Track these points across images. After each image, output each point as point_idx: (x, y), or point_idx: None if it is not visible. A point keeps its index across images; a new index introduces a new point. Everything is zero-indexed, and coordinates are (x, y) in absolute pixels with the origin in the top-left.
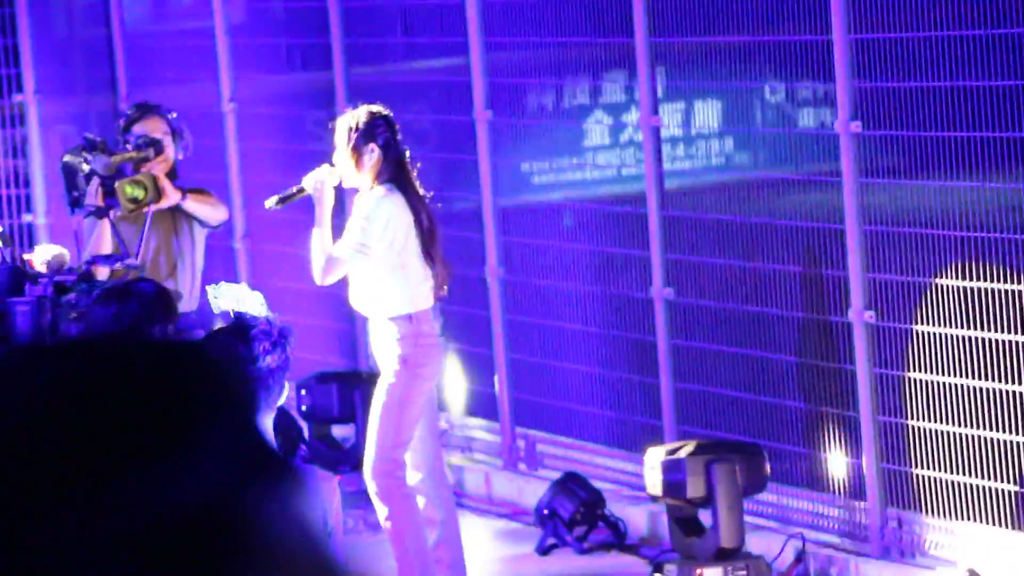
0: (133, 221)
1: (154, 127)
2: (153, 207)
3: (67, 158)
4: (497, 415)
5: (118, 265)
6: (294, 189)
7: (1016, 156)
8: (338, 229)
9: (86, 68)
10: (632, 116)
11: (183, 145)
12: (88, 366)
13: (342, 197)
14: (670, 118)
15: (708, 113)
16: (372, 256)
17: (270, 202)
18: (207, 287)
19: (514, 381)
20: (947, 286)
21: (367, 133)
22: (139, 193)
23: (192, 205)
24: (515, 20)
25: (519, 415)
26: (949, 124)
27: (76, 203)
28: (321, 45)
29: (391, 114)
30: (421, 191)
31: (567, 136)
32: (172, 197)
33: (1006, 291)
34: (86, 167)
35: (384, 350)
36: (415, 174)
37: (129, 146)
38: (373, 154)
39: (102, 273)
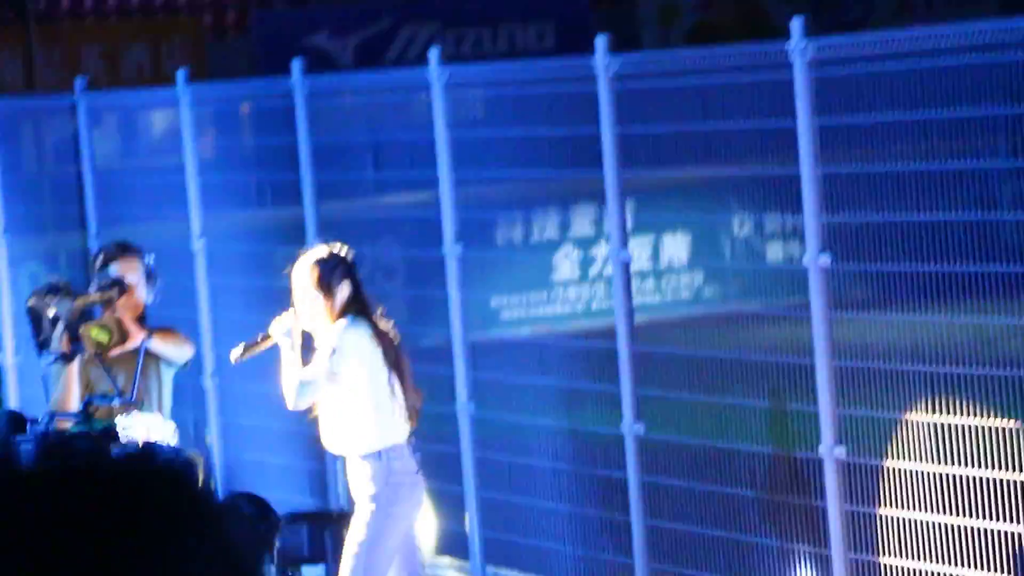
0: (126, 361)
1: (131, 268)
2: (119, 349)
3: (32, 302)
4: (468, 554)
5: (116, 402)
6: (259, 338)
7: (984, 290)
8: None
9: (56, 206)
10: (601, 250)
11: (154, 290)
12: (62, 496)
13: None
14: (639, 251)
15: (677, 247)
16: (341, 384)
17: (235, 353)
18: (119, 418)
19: (485, 519)
20: (918, 421)
21: (334, 270)
22: (104, 337)
23: (158, 345)
24: (484, 154)
25: (490, 554)
26: (918, 257)
27: (43, 346)
28: (291, 181)
29: (347, 248)
30: (384, 321)
31: (536, 270)
32: (137, 338)
33: (978, 427)
34: (52, 311)
35: (358, 488)
36: (380, 306)
37: (93, 287)
38: (344, 291)
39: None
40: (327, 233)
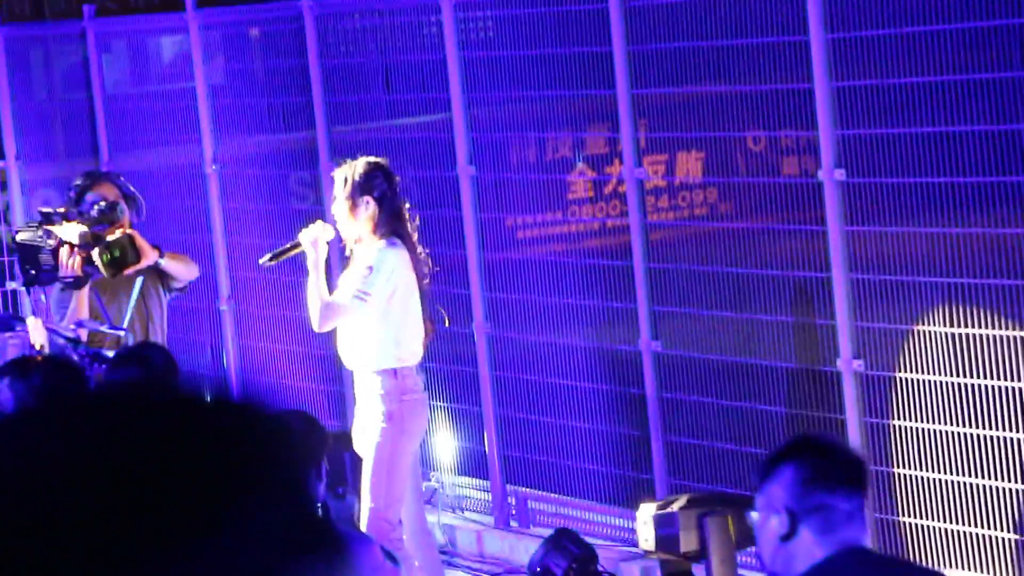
0: (112, 289)
1: (106, 193)
2: (133, 268)
3: (23, 236)
4: (487, 473)
5: (104, 328)
6: (288, 245)
7: (1000, 200)
8: (330, 285)
9: (67, 133)
10: (615, 168)
11: (137, 209)
12: (130, 425)
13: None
14: (653, 169)
15: (691, 163)
16: (371, 304)
17: (264, 259)
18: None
19: (503, 438)
20: (935, 332)
21: (363, 185)
22: (119, 256)
23: (169, 264)
24: (496, 75)
25: (509, 472)
26: (933, 170)
27: (35, 280)
28: (303, 104)
29: (387, 166)
30: (419, 246)
31: (550, 190)
32: (151, 256)
33: (993, 336)
34: (51, 241)
35: (368, 406)
36: (414, 228)
37: (94, 211)
38: (368, 207)
39: (83, 335)
40: (339, 155)
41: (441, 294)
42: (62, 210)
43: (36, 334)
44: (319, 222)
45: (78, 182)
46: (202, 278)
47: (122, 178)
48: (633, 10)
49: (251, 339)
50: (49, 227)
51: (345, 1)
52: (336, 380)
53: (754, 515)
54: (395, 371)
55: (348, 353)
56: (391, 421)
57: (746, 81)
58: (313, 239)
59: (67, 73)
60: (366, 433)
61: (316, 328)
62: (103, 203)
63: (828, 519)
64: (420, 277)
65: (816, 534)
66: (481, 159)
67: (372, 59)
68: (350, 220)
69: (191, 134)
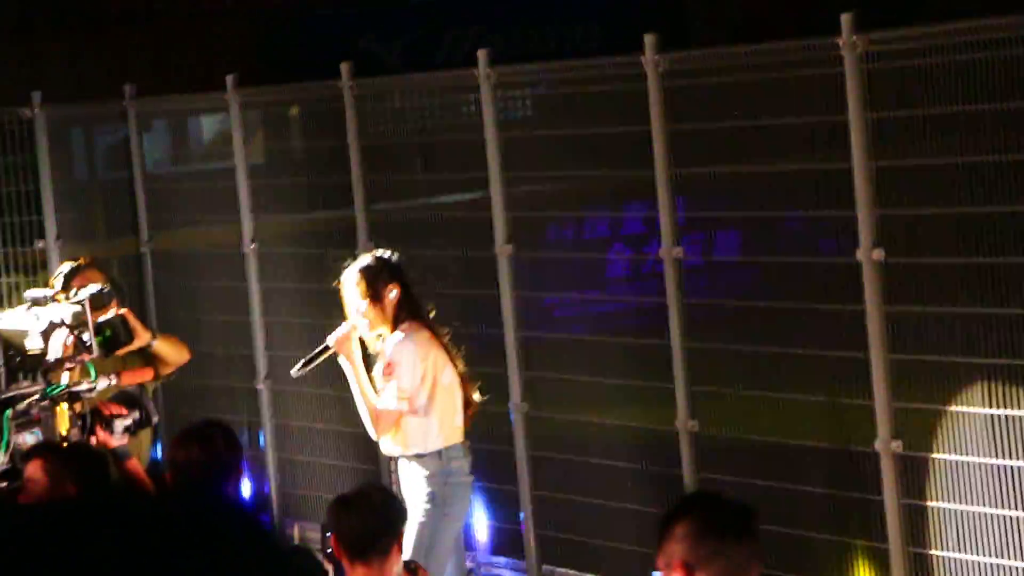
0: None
1: (93, 279)
2: (126, 349)
3: (7, 321)
4: (523, 553)
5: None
6: (318, 350)
7: None
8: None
9: (107, 212)
10: (653, 247)
11: (121, 296)
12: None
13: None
14: (691, 248)
15: (729, 242)
16: (412, 397)
17: (295, 368)
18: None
19: (540, 518)
20: (973, 414)
21: (382, 276)
22: (110, 334)
23: (160, 346)
24: (534, 154)
25: (546, 552)
26: (971, 250)
27: (20, 367)
28: (341, 183)
29: (395, 255)
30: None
31: (588, 268)
32: (143, 337)
33: None
34: (40, 324)
35: (413, 489)
36: (430, 305)
37: (84, 296)
38: (393, 294)
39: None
40: (378, 235)
41: (477, 373)
42: (53, 294)
43: None
44: (345, 322)
45: (64, 270)
46: (240, 357)
47: (104, 266)
48: (672, 89)
49: (288, 418)
50: (38, 309)
51: (384, 81)
52: (371, 459)
53: None
54: (439, 452)
55: (388, 442)
56: (434, 503)
57: (785, 160)
58: (342, 339)
59: (108, 151)
60: (409, 513)
61: (376, 437)
62: (93, 287)
63: (723, 568)
64: (447, 350)
65: None
66: (519, 237)
67: (410, 138)
68: (375, 314)
69: (230, 213)
